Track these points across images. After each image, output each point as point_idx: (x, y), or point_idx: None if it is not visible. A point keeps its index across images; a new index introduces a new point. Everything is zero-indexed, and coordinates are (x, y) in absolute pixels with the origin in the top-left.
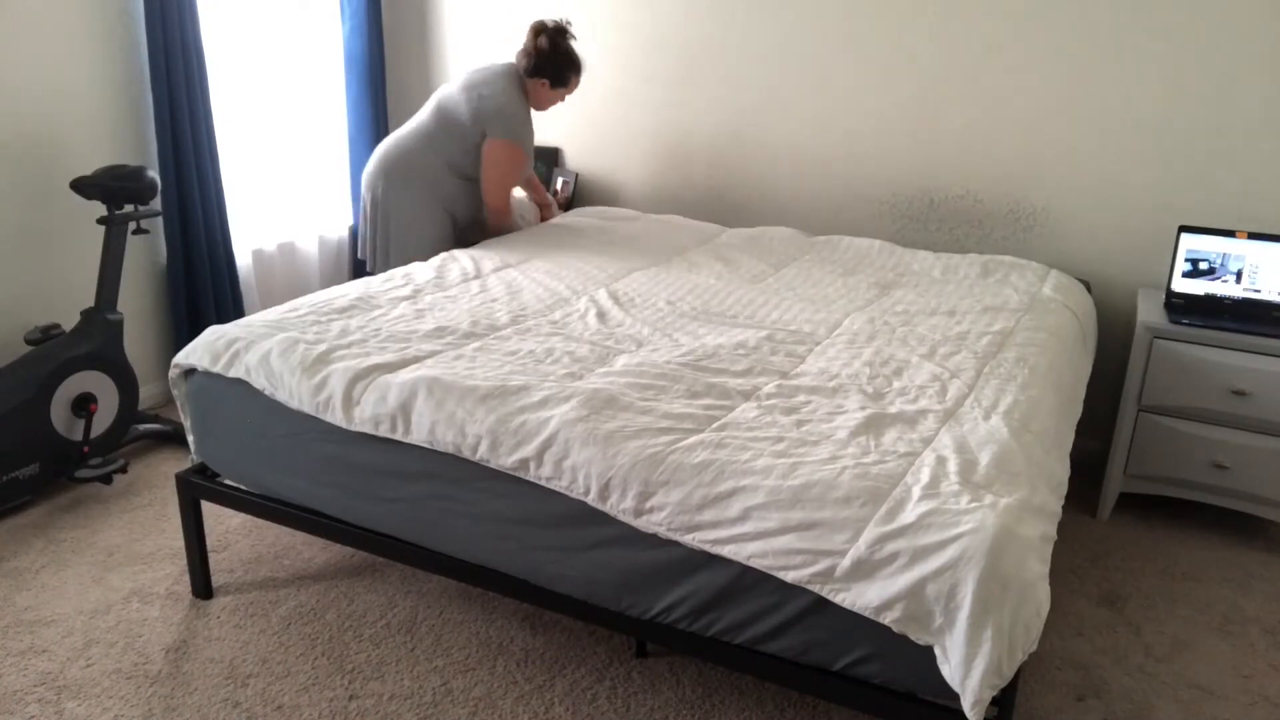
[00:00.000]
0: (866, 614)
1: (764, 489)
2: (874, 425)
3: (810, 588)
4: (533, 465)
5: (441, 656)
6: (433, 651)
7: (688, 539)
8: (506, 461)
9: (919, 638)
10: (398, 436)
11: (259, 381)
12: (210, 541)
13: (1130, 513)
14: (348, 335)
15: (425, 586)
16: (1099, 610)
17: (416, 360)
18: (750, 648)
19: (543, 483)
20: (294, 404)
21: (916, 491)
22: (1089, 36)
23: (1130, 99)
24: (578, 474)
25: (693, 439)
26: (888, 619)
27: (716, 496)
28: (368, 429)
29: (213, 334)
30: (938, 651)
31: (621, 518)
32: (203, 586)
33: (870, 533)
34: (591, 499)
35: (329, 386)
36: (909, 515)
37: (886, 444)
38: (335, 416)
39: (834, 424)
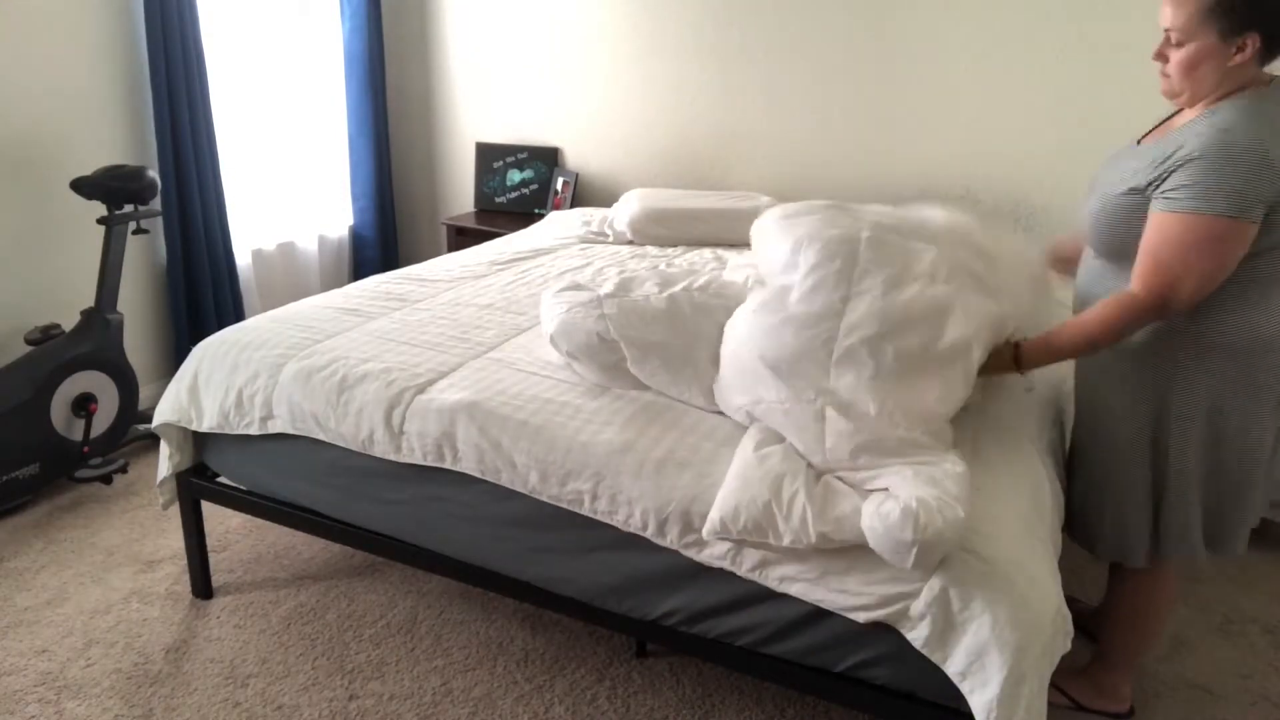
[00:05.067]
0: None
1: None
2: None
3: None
4: (587, 500)
5: (441, 656)
6: (433, 651)
7: (753, 577)
8: (559, 492)
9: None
10: (447, 465)
11: (299, 429)
12: (210, 541)
13: None
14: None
15: (425, 586)
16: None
17: (441, 376)
18: (751, 649)
19: (598, 517)
20: (340, 444)
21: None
22: (1089, 36)
23: (1130, 99)
24: (634, 508)
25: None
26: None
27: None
28: (417, 460)
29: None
30: (964, 689)
31: (685, 553)
32: (203, 586)
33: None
34: (650, 534)
35: (366, 419)
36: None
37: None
38: (384, 451)
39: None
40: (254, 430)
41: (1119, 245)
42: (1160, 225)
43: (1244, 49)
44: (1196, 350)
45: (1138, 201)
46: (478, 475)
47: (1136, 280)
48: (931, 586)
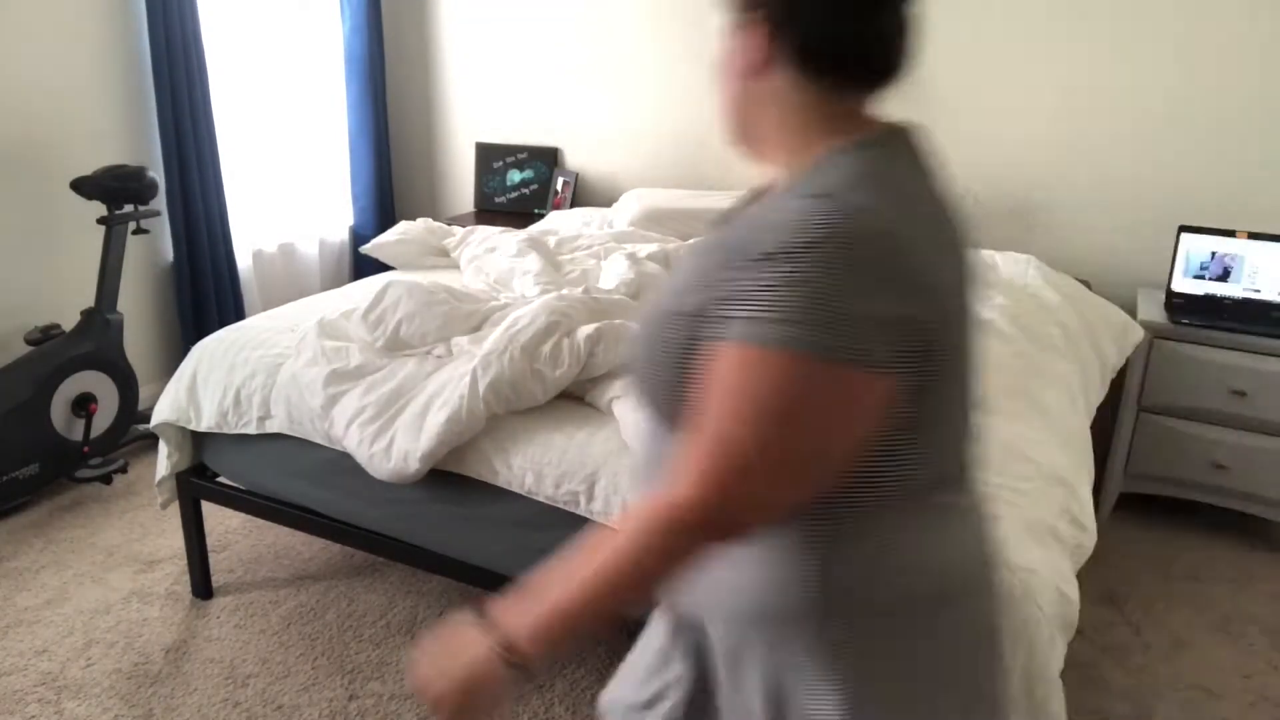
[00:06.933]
0: None
1: None
2: None
3: None
4: (583, 500)
5: None
6: None
7: None
8: (554, 493)
9: None
10: (450, 468)
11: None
12: (210, 541)
13: (1130, 513)
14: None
15: (425, 586)
16: (1099, 609)
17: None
18: None
19: (594, 517)
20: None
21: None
22: (1090, 36)
23: (1131, 99)
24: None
25: None
26: None
27: None
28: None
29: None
30: None
31: None
32: (203, 586)
33: None
34: None
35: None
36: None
37: None
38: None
39: None
40: (251, 430)
41: (667, 399)
42: (718, 370)
43: None
44: (829, 611)
45: (693, 328)
46: (474, 476)
47: (680, 467)
48: None
